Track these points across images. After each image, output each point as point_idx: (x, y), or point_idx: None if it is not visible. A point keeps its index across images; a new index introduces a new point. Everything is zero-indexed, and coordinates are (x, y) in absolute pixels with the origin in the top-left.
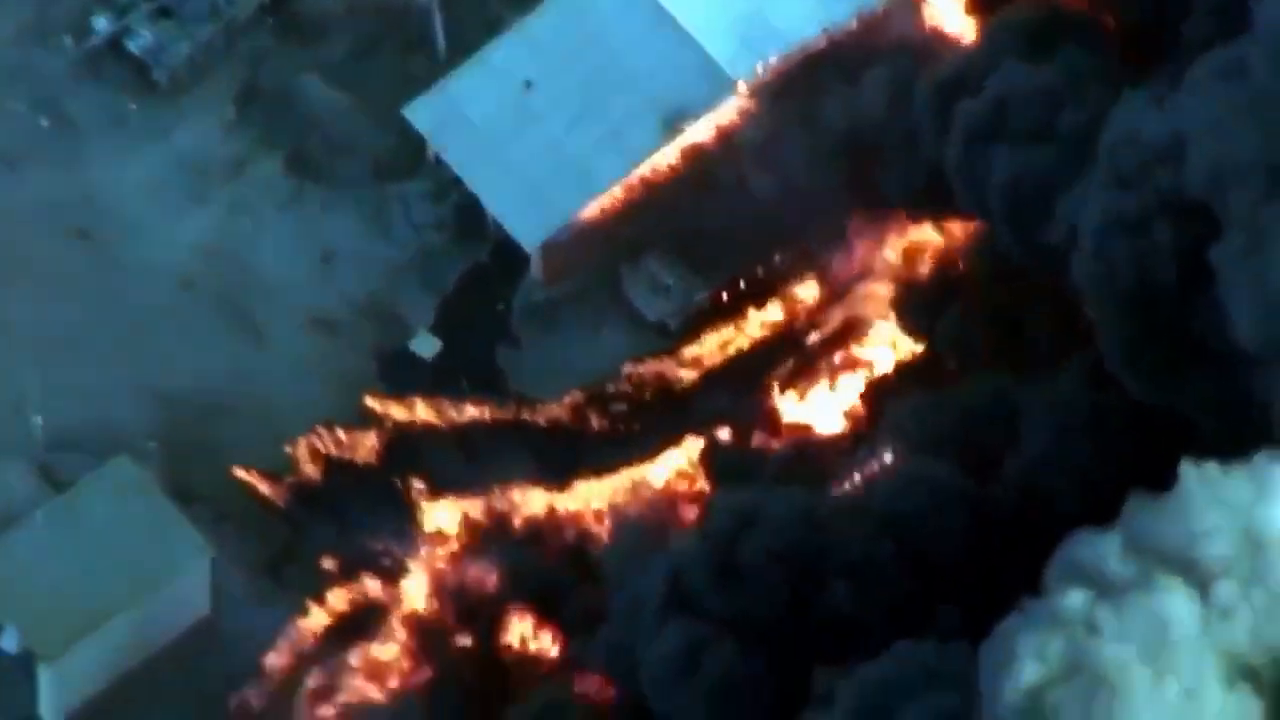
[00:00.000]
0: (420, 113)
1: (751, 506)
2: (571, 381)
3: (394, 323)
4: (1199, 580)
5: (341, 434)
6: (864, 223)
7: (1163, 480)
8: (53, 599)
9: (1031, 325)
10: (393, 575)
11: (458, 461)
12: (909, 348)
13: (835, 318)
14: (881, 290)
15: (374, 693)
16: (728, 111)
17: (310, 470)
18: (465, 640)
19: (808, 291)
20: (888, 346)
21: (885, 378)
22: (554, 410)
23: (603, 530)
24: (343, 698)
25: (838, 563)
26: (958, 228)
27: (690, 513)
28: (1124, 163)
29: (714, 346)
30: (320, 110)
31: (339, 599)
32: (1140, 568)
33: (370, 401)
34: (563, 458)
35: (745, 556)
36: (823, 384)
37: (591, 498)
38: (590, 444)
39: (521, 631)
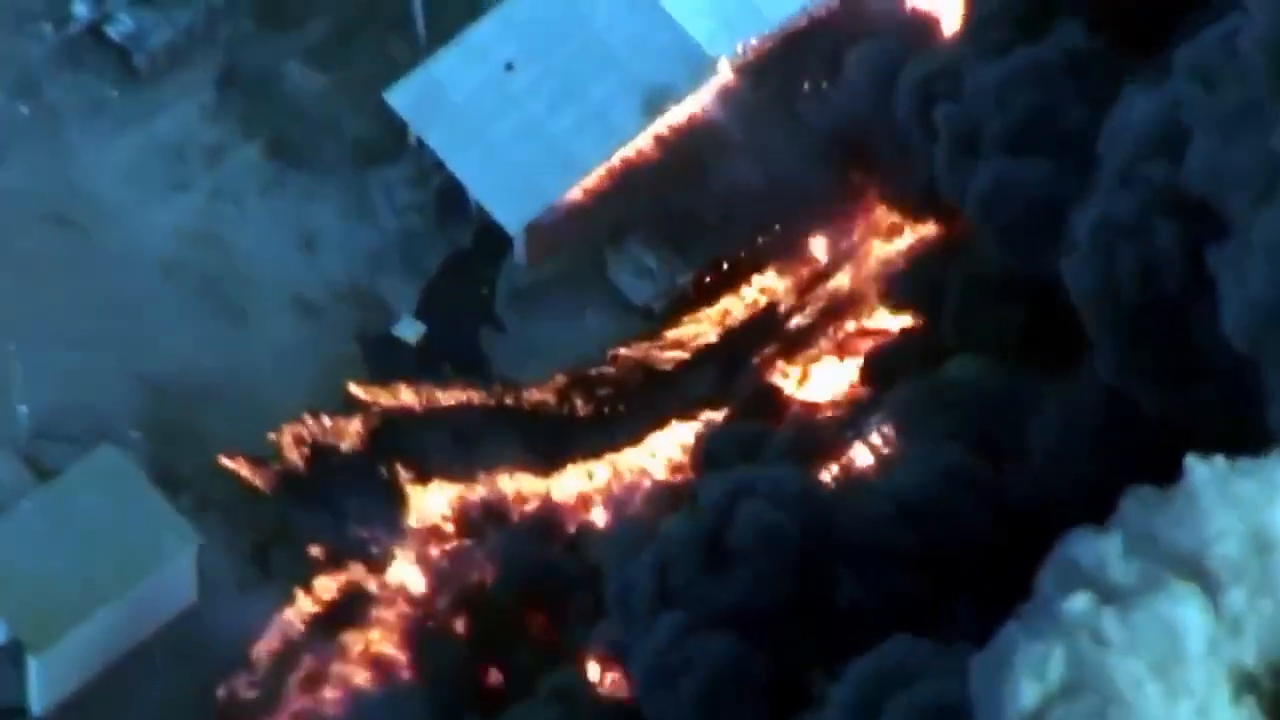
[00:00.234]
0: (401, 96)
1: (746, 483)
2: (556, 365)
3: (377, 307)
4: (1209, 586)
5: (326, 420)
6: (848, 204)
7: (1160, 473)
8: (40, 589)
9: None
10: (380, 562)
11: (443, 446)
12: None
13: (823, 296)
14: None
15: (364, 680)
16: (710, 92)
17: (296, 457)
18: (461, 630)
19: (791, 273)
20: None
21: (882, 353)
22: (539, 394)
23: (599, 518)
24: (332, 685)
25: (846, 549)
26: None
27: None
28: (1119, 158)
29: (698, 328)
30: (301, 95)
31: (326, 586)
32: (1146, 571)
33: (355, 388)
34: (549, 441)
35: (737, 539)
36: (818, 361)
37: (582, 482)
38: (576, 427)
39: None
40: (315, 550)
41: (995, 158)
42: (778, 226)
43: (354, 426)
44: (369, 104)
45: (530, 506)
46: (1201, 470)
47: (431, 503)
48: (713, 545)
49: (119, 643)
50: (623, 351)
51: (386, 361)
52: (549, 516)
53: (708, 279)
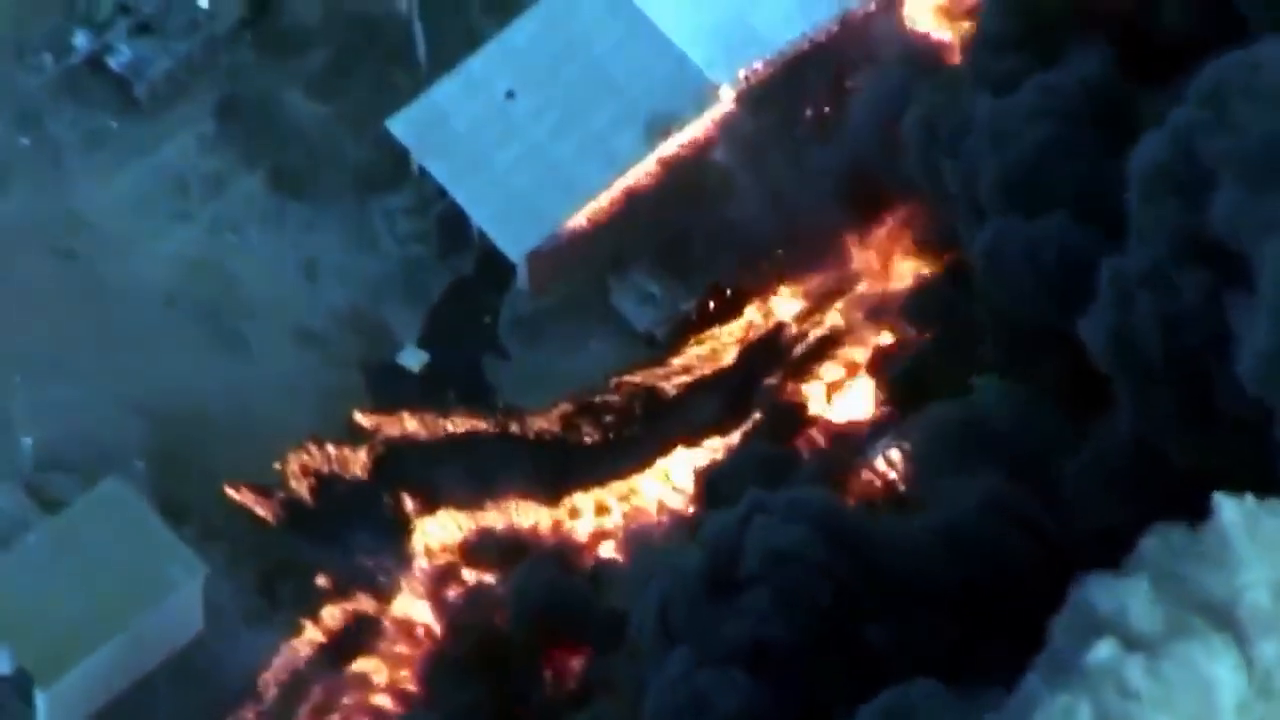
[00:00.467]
0: (403, 125)
1: (759, 502)
2: (560, 392)
3: (380, 336)
4: (1240, 636)
5: (331, 449)
6: (852, 228)
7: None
8: (47, 621)
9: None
10: (386, 592)
11: (448, 475)
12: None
13: (829, 319)
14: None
15: (373, 711)
16: (711, 118)
17: (301, 486)
18: (477, 668)
19: (794, 298)
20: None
21: (904, 368)
22: (543, 421)
23: (618, 551)
24: (340, 715)
25: (879, 578)
26: None
27: None
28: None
29: (702, 354)
30: (301, 124)
31: (332, 616)
32: (1173, 618)
33: (359, 416)
34: (554, 469)
35: (749, 563)
36: (841, 382)
37: (591, 511)
38: (581, 454)
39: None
40: (321, 580)
41: (997, 216)
42: (780, 252)
43: (359, 455)
44: (370, 133)
45: (542, 537)
46: (1231, 510)
47: (437, 531)
48: (721, 575)
49: (126, 674)
50: (627, 378)
51: (390, 390)
52: (565, 550)
53: (711, 305)
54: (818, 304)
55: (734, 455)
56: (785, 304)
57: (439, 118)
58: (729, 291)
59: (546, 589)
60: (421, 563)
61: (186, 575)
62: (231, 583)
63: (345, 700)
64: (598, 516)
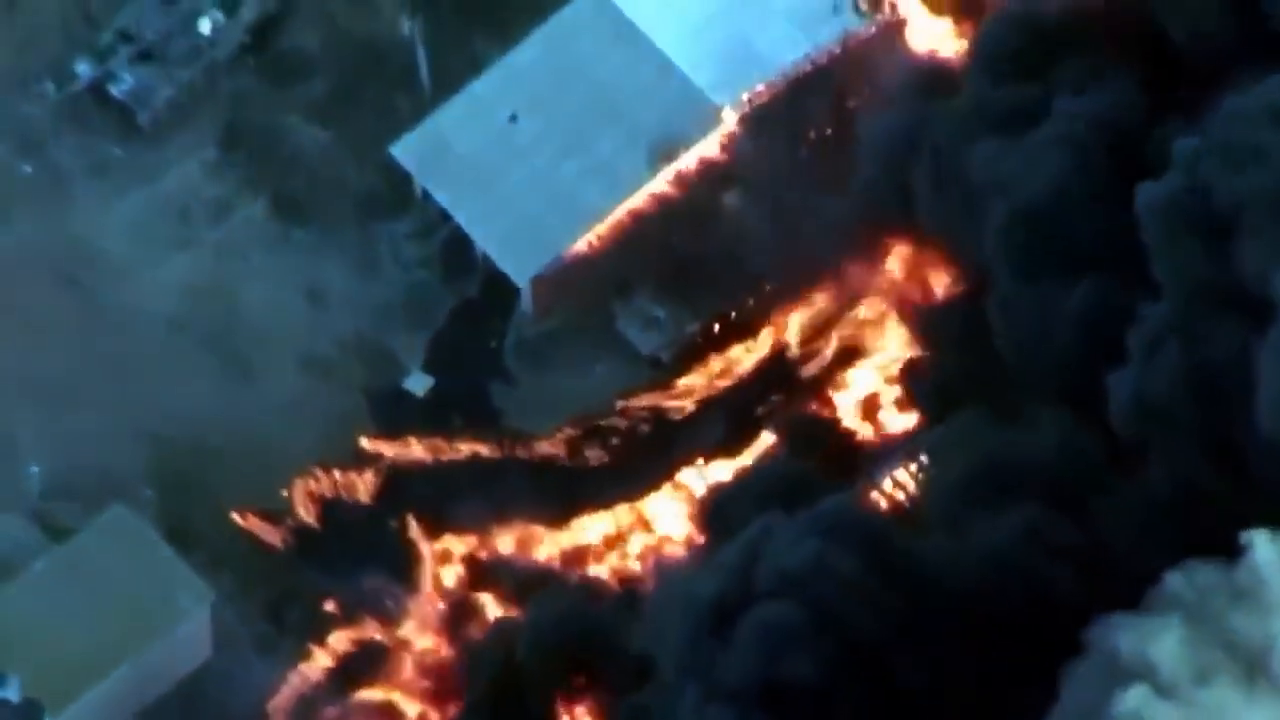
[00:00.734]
0: (406, 150)
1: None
2: (565, 416)
3: (385, 361)
4: (1277, 683)
5: (337, 475)
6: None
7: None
8: (56, 649)
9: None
10: (394, 617)
11: (455, 499)
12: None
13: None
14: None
15: None
16: (715, 140)
17: (307, 512)
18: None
19: (798, 320)
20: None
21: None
22: (549, 445)
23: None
24: None
25: (920, 612)
26: None
27: None
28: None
29: (707, 377)
30: (304, 150)
31: (340, 641)
32: (1205, 662)
33: (365, 441)
34: (560, 493)
35: (765, 581)
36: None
37: (604, 535)
38: (587, 478)
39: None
40: (329, 605)
41: (1004, 274)
42: (786, 274)
43: (365, 481)
44: (373, 158)
45: (555, 563)
46: (1265, 548)
47: (443, 556)
48: (732, 601)
49: (135, 701)
50: (632, 402)
51: (396, 415)
52: (586, 581)
53: (716, 328)
54: (824, 324)
55: (746, 476)
56: (791, 325)
57: (442, 142)
58: (734, 314)
59: (565, 621)
60: (430, 589)
61: (195, 602)
62: (239, 609)
63: None
64: (611, 546)
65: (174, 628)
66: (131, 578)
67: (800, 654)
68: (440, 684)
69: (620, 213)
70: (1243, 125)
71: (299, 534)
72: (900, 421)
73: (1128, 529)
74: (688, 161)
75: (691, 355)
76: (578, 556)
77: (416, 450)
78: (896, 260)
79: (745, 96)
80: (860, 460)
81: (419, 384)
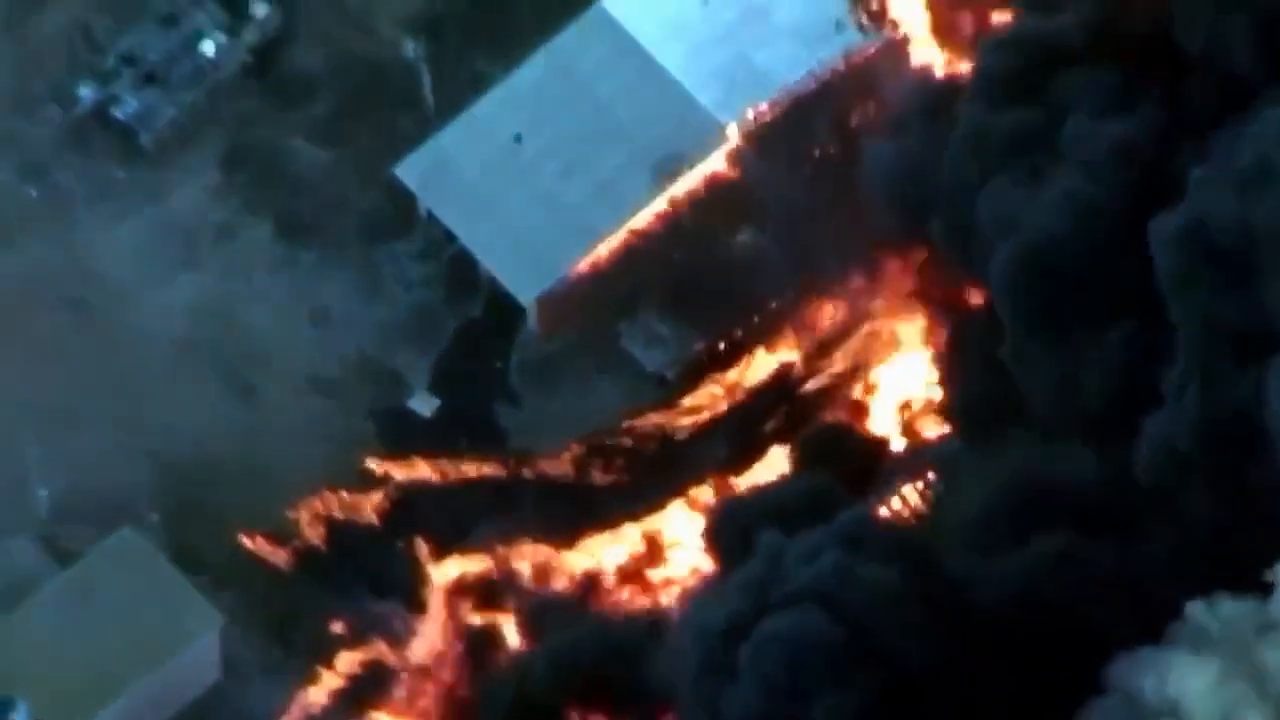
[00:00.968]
0: (411, 170)
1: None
2: (571, 435)
3: (391, 382)
4: None
5: (344, 496)
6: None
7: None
8: (64, 673)
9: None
10: (401, 638)
11: (461, 520)
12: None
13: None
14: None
15: None
16: (719, 159)
17: (314, 533)
18: None
19: (805, 337)
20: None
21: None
22: (555, 464)
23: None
24: None
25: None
26: None
27: None
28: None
29: (713, 395)
30: (308, 171)
31: (348, 663)
32: (1232, 697)
33: (371, 462)
34: (567, 512)
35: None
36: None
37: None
38: (594, 497)
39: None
40: (336, 627)
41: (1011, 321)
42: (791, 291)
43: (371, 502)
44: (376, 179)
45: (571, 589)
46: None
47: (451, 576)
48: (746, 624)
49: None
50: (638, 421)
51: (401, 436)
52: (607, 609)
53: (721, 345)
54: (831, 341)
55: (758, 493)
56: (797, 342)
57: (446, 163)
58: (739, 331)
59: (583, 651)
60: (437, 610)
61: (203, 625)
62: (246, 631)
63: None
64: (628, 576)
65: (182, 651)
66: (139, 601)
67: (816, 664)
68: (448, 707)
69: (625, 231)
70: (1260, 150)
71: (305, 556)
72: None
73: (1160, 561)
74: (692, 180)
75: (697, 373)
76: (594, 582)
77: (423, 471)
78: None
79: (749, 114)
80: (878, 474)
81: (425, 404)
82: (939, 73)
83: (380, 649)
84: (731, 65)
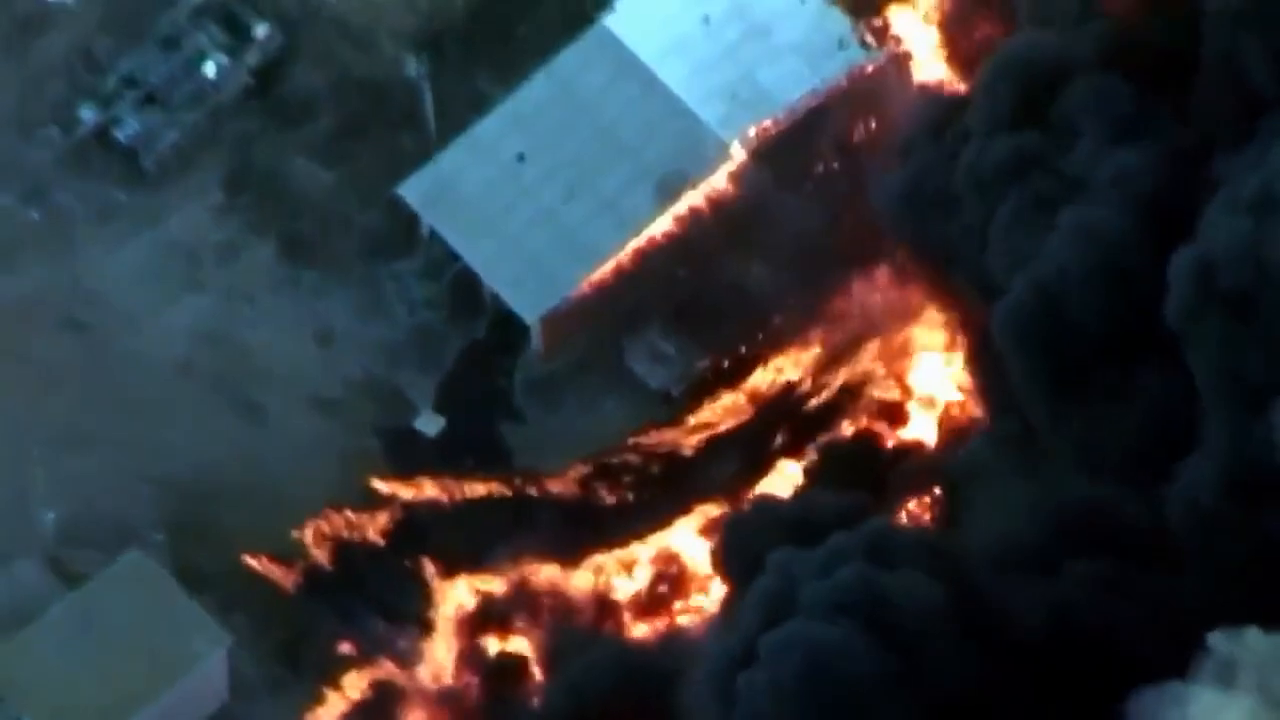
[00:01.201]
0: (414, 190)
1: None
2: (577, 454)
3: (395, 402)
4: None
5: (350, 516)
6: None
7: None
8: (72, 695)
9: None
10: (408, 658)
11: (467, 539)
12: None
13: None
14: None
15: None
16: (723, 176)
17: (320, 554)
18: None
19: (809, 353)
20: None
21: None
22: (561, 483)
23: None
24: None
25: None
26: None
27: None
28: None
29: (719, 412)
30: (310, 191)
31: (355, 683)
32: None
33: (377, 482)
34: (573, 531)
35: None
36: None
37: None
38: (600, 516)
39: None
40: (343, 647)
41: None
42: (794, 308)
43: (377, 522)
44: (379, 198)
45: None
46: None
47: (458, 596)
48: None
49: None
50: (643, 438)
51: (407, 456)
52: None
53: (726, 362)
54: (835, 357)
55: (771, 505)
56: (802, 358)
57: (450, 182)
58: (744, 348)
59: (603, 679)
60: (444, 630)
61: (211, 646)
62: (254, 652)
63: None
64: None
65: (190, 672)
66: (147, 623)
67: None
68: None
69: (628, 250)
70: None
71: (312, 576)
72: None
73: (1201, 594)
74: (696, 197)
75: (702, 391)
76: (612, 610)
77: (428, 490)
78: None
79: (753, 132)
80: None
81: (430, 424)
82: (944, 89)
83: (388, 669)
84: (734, 83)
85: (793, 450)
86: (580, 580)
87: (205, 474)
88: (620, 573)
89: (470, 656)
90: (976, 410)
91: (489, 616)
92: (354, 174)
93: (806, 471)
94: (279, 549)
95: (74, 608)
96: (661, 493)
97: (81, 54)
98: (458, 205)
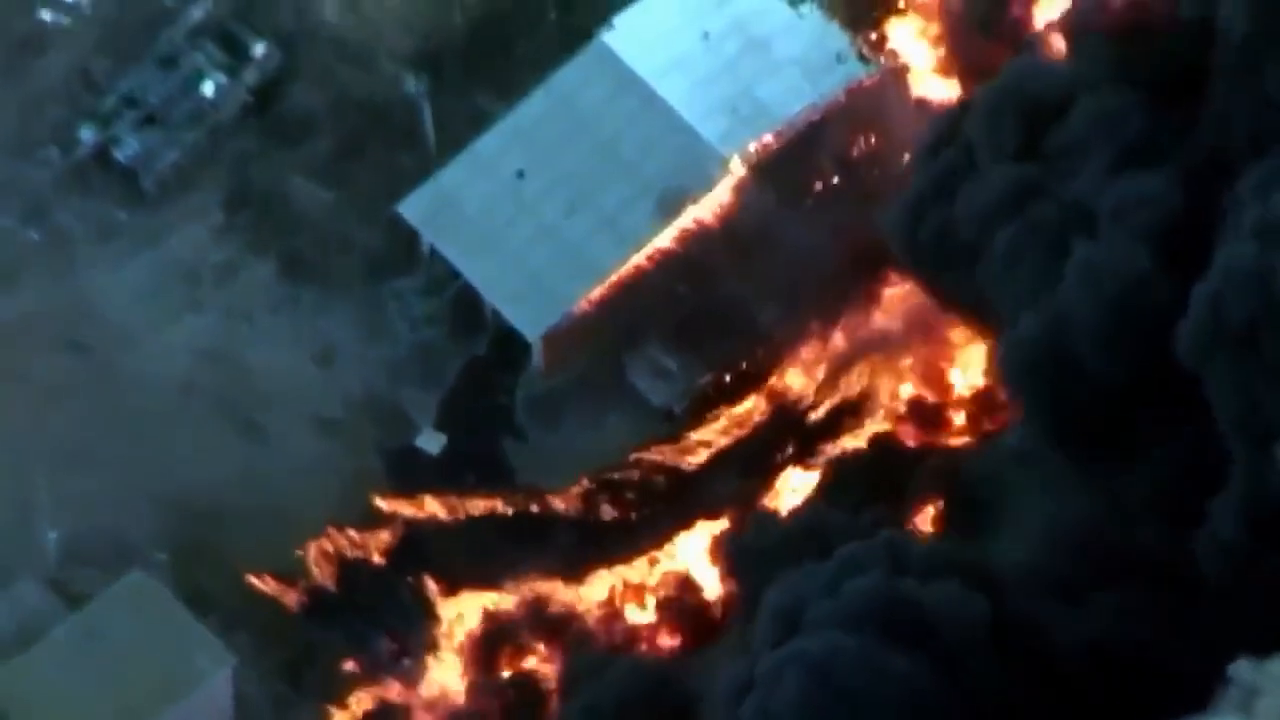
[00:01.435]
0: (413, 208)
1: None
2: (579, 470)
3: (397, 420)
4: None
5: (352, 534)
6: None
7: None
8: (77, 716)
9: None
10: (412, 676)
11: (470, 557)
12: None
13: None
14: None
15: None
16: (723, 191)
17: (323, 572)
18: None
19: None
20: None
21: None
22: (564, 500)
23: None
24: None
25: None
26: None
27: None
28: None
29: (721, 428)
30: (310, 209)
31: (359, 702)
32: None
33: (379, 501)
34: (576, 548)
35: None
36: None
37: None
38: (603, 532)
39: None
40: (347, 666)
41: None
42: (796, 322)
43: (380, 540)
44: (379, 216)
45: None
46: None
47: (462, 615)
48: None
49: None
50: (645, 455)
51: (409, 474)
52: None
53: (727, 378)
54: (837, 371)
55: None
56: (804, 373)
57: (450, 199)
58: (745, 364)
59: (631, 704)
60: (447, 648)
61: (215, 665)
62: (257, 671)
63: None
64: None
65: (194, 692)
66: (151, 642)
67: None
68: None
69: (629, 266)
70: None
71: (315, 595)
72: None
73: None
74: (697, 213)
75: (704, 406)
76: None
77: (431, 509)
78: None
79: (753, 147)
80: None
81: (432, 442)
82: (943, 102)
83: (392, 688)
84: (733, 98)
85: (798, 463)
86: (589, 597)
87: (207, 493)
88: (633, 601)
89: (484, 679)
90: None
91: (500, 638)
92: (353, 192)
93: (821, 483)
94: (282, 568)
95: (77, 628)
96: (665, 508)
97: (80, 74)
98: (458, 222)
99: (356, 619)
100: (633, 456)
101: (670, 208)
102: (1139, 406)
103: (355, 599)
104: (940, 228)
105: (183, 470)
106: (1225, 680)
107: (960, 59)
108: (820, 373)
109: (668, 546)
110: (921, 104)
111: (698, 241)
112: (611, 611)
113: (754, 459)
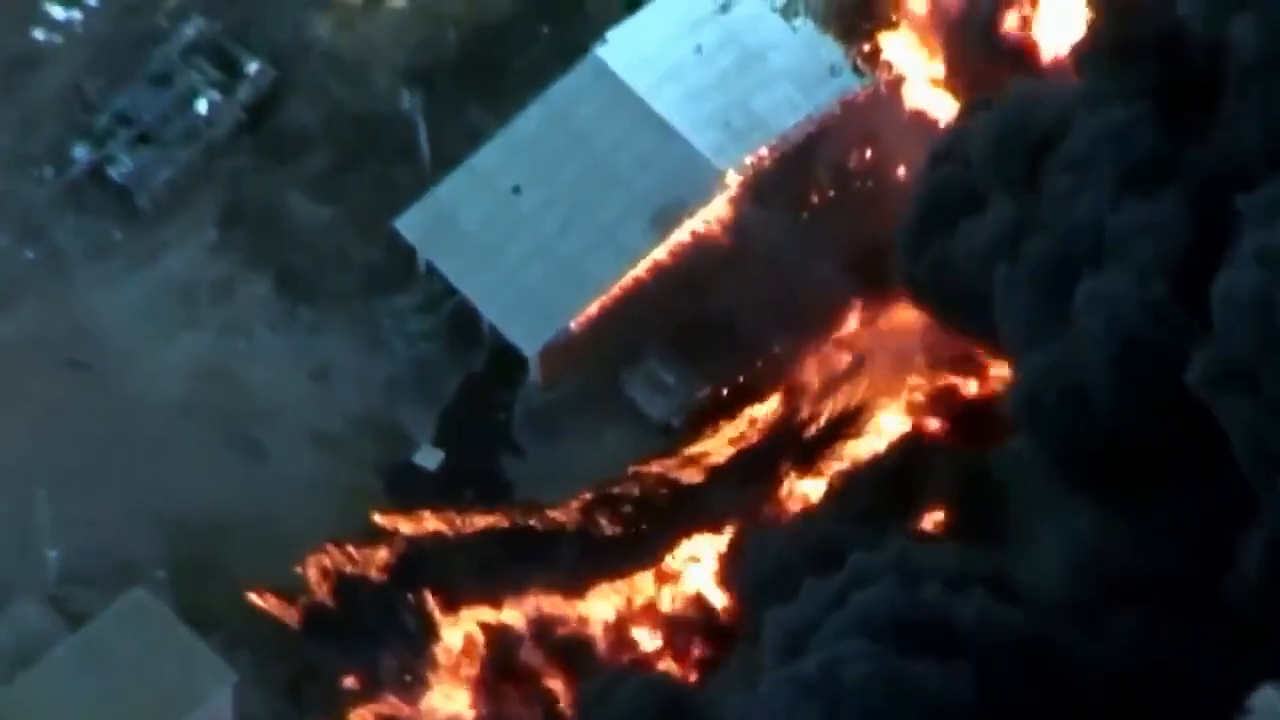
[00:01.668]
0: (410, 224)
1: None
2: (577, 485)
3: (395, 436)
4: None
5: (351, 551)
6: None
7: None
8: None
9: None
10: (413, 692)
11: (469, 573)
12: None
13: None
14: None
15: None
16: (719, 205)
17: (322, 589)
18: None
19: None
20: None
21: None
22: (562, 515)
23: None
24: None
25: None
26: None
27: None
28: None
29: (719, 442)
30: (306, 226)
31: (360, 718)
32: None
33: (378, 517)
34: (576, 563)
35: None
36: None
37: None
38: (603, 547)
39: None
40: (348, 682)
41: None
42: (793, 335)
43: (379, 556)
44: (375, 232)
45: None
46: None
47: (461, 630)
48: None
49: None
50: (644, 469)
51: (407, 490)
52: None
53: (726, 392)
54: (834, 383)
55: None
56: (801, 386)
57: (446, 215)
58: (743, 377)
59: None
60: (448, 662)
61: (217, 683)
62: (259, 689)
63: None
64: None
65: (196, 710)
66: (152, 661)
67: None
68: None
69: (626, 280)
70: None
71: (315, 612)
72: None
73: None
74: (693, 226)
75: (703, 420)
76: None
77: (430, 524)
78: None
79: (749, 160)
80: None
81: (430, 458)
82: (937, 117)
83: (392, 704)
84: (728, 111)
85: (799, 473)
86: (593, 613)
87: (206, 511)
88: (643, 624)
89: (490, 699)
90: None
91: (508, 656)
92: (349, 208)
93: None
94: (281, 585)
95: (78, 647)
96: (664, 522)
97: (74, 93)
98: (455, 238)
99: (357, 636)
100: (631, 470)
101: (666, 221)
102: (1156, 443)
103: (355, 616)
104: (940, 262)
105: (182, 488)
106: (1244, 710)
107: (958, 72)
108: (819, 384)
109: (672, 563)
110: (916, 116)
111: (694, 255)
112: (620, 633)
113: (755, 470)
